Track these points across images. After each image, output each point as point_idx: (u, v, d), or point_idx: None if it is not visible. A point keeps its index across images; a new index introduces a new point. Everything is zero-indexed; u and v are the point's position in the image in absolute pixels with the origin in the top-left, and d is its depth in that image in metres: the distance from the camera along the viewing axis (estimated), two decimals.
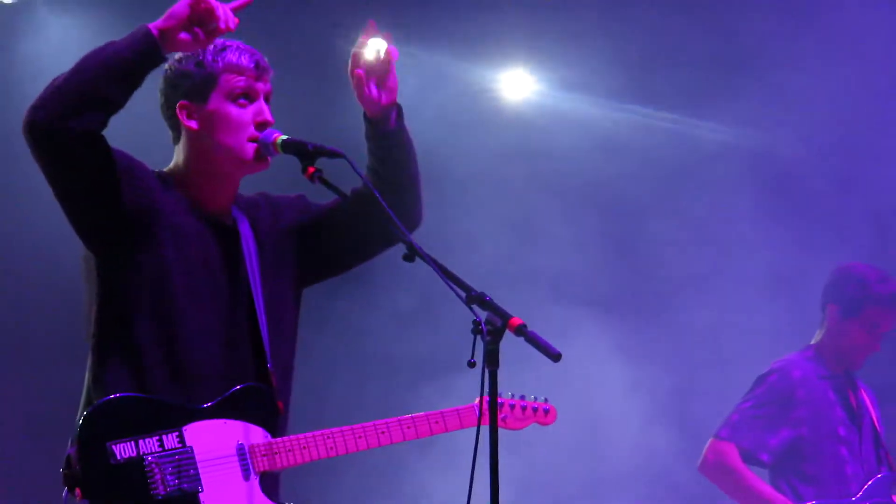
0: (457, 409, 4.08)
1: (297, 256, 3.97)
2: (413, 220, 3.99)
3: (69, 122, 3.49)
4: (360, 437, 3.90)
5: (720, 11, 7.45)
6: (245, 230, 3.88)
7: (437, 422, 4.04)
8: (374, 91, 3.83)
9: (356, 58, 3.80)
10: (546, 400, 4.40)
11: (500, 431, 3.36)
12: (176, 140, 3.86)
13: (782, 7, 7.43)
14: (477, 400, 3.63)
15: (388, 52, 3.80)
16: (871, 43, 7.22)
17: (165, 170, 3.85)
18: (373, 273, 6.31)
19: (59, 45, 6.83)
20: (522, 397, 4.36)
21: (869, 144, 7.40)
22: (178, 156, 3.85)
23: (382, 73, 3.82)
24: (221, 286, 3.79)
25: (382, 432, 3.94)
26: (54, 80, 3.54)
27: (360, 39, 3.80)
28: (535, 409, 4.36)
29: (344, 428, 3.89)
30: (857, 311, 5.93)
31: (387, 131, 3.90)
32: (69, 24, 6.97)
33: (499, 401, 4.20)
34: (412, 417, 4.00)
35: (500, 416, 4.22)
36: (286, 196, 4.05)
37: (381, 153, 3.92)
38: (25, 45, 6.96)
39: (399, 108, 3.91)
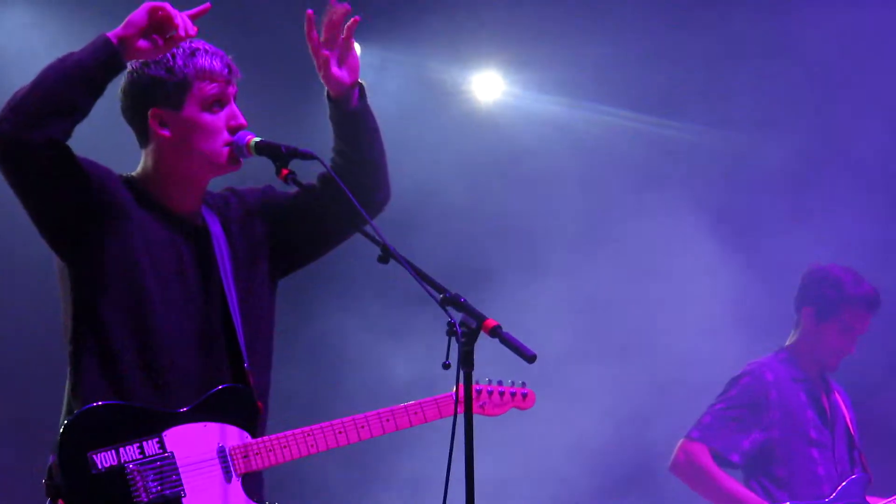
0: (435, 399, 4.08)
1: (269, 247, 3.96)
2: (381, 199, 4.01)
3: (34, 132, 3.47)
4: (339, 432, 3.90)
5: (694, 11, 7.40)
6: (216, 229, 3.86)
7: (416, 413, 4.04)
8: (338, 70, 3.81)
9: (315, 37, 3.75)
10: (524, 384, 4.41)
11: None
12: (143, 144, 3.82)
13: (759, 6, 7.39)
14: (454, 389, 3.63)
15: (347, 28, 3.77)
16: (853, 43, 7.18)
17: (133, 174, 3.82)
18: (347, 269, 6.33)
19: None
20: (500, 383, 4.37)
21: (853, 145, 7.35)
22: (146, 160, 3.81)
23: (343, 51, 3.81)
24: (194, 289, 3.77)
25: (362, 426, 3.93)
26: (16, 92, 3.52)
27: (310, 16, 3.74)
28: (513, 394, 4.37)
29: (323, 424, 3.89)
30: (832, 313, 5.89)
31: (350, 111, 3.89)
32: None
33: (476, 387, 4.27)
34: (391, 410, 4.00)
35: (478, 403, 4.27)
36: (254, 188, 4.03)
37: (345, 133, 3.92)
38: None
39: (361, 87, 3.90)
